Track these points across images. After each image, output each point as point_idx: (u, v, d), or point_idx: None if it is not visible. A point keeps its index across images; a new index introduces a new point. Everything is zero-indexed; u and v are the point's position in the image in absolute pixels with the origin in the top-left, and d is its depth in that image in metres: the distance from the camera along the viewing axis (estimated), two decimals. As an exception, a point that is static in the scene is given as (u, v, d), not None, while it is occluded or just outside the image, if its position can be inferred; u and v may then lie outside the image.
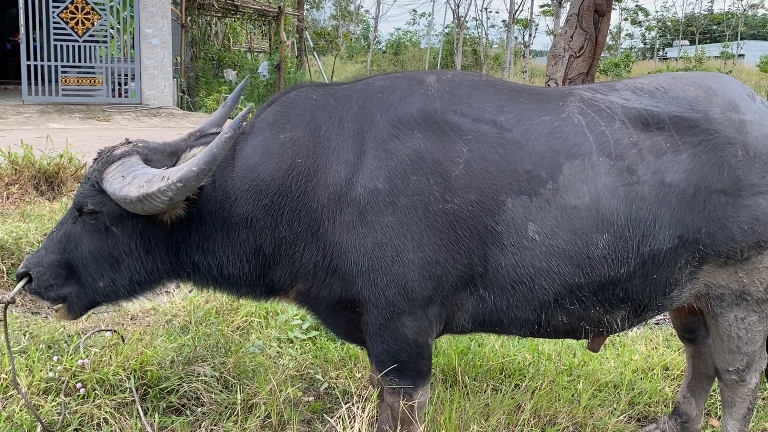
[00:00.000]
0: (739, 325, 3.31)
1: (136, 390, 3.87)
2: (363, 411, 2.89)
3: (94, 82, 18.41)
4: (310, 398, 4.19)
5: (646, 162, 3.06)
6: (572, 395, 4.28)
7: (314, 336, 4.88)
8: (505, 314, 3.20)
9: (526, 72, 36.82)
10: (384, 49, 55.83)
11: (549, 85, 7.64)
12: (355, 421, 2.86)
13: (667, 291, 3.19)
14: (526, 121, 3.14)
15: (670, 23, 74.30)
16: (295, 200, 3.11)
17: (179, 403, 3.99)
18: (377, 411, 3.64)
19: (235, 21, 30.88)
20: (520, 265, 3.07)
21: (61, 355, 4.04)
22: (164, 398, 3.97)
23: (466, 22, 46.07)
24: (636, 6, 64.79)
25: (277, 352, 4.69)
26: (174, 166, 3.13)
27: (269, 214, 3.14)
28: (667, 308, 3.34)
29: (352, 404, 2.96)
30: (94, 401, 3.72)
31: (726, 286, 3.22)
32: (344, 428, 2.89)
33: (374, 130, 3.11)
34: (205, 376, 4.12)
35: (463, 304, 3.19)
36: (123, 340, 4.28)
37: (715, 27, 67.95)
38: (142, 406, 3.78)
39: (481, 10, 48.95)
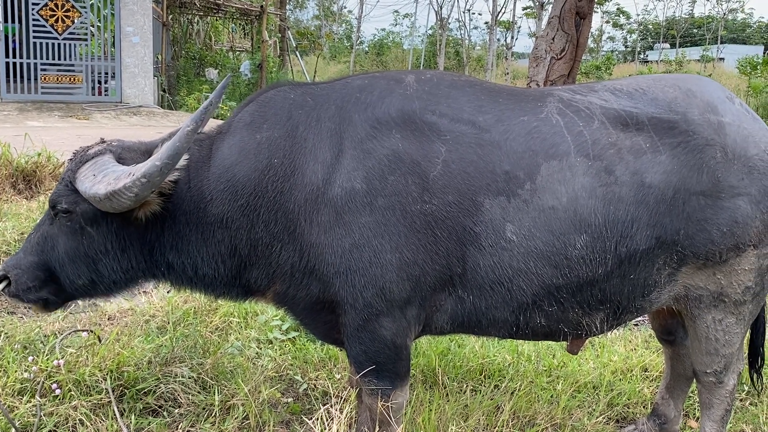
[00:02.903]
0: (717, 327, 3.32)
1: (113, 391, 3.83)
2: (341, 412, 2.87)
3: (74, 80, 18.24)
4: (289, 399, 4.16)
5: (625, 162, 3.06)
6: (551, 396, 4.28)
7: (294, 337, 4.85)
8: (483, 315, 3.19)
9: (508, 74, 36.93)
10: (367, 49, 55.81)
11: (530, 87, 7.66)
12: (334, 422, 2.83)
13: (646, 293, 3.20)
14: (505, 121, 3.13)
15: (651, 26, 74.88)
16: (272, 201, 3.08)
17: (156, 404, 3.95)
18: (356, 412, 3.62)
19: (216, 20, 30.69)
20: (498, 266, 3.06)
21: (37, 356, 3.99)
22: (141, 399, 3.93)
23: (449, 23, 46.16)
24: (617, 9, 65.23)
25: (256, 353, 4.66)
26: None
27: (245, 214, 3.11)
28: (646, 310, 3.35)
29: (331, 405, 2.93)
30: (70, 402, 3.67)
31: (704, 288, 3.23)
32: (322, 429, 2.86)
33: (352, 130, 3.08)
34: (182, 377, 4.08)
35: (442, 305, 3.18)
36: (99, 341, 4.23)
37: (695, 30, 68.56)
38: (118, 408, 3.73)
39: (463, 12, 49.12)
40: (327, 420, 2.91)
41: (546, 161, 3.06)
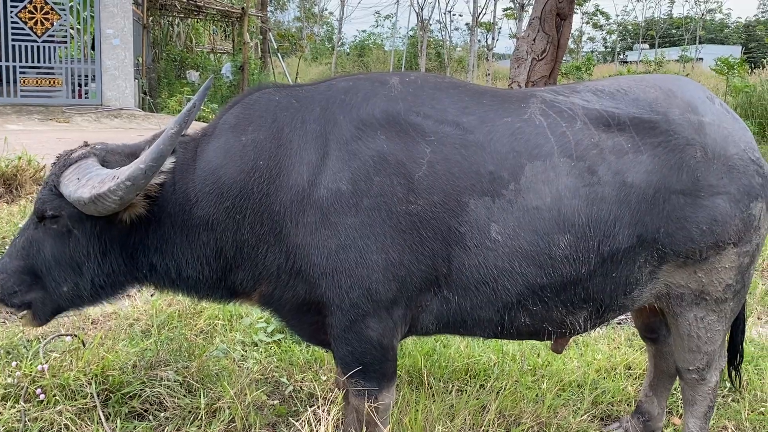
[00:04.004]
0: (699, 325, 3.36)
1: (98, 395, 3.80)
2: (329, 414, 2.87)
3: (54, 83, 18.06)
4: (275, 402, 4.16)
5: (607, 162, 3.09)
6: (536, 395, 4.31)
7: (279, 339, 4.85)
8: (468, 315, 3.21)
9: (489, 75, 37.04)
10: (348, 51, 55.80)
11: (512, 88, 7.69)
12: (320, 424, 2.84)
13: (628, 291, 3.23)
14: (489, 122, 3.16)
15: (630, 27, 75.46)
16: (258, 202, 3.08)
17: (142, 408, 3.93)
18: (343, 413, 3.63)
19: (197, 22, 30.59)
20: (483, 266, 3.08)
21: (20, 361, 3.95)
22: (126, 403, 3.91)
23: (430, 24, 46.19)
24: (597, 10, 65.62)
25: (242, 356, 4.65)
26: None
27: (231, 216, 3.11)
28: (628, 308, 3.38)
29: (318, 407, 2.94)
30: (54, 407, 3.64)
31: (685, 286, 3.26)
32: (310, 431, 2.87)
33: (337, 132, 3.10)
34: (167, 380, 4.06)
35: (428, 305, 3.20)
36: (84, 345, 4.20)
37: (674, 31, 69.18)
38: (103, 412, 3.71)
39: (444, 13, 49.26)
40: (314, 422, 2.91)
41: (530, 162, 3.08)
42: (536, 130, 3.14)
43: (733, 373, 3.90)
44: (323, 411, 2.86)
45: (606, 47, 79.08)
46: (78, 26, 17.99)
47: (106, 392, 3.93)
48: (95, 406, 3.72)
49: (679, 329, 3.41)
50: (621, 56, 69.73)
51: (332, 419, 2.88)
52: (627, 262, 3.15)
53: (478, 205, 3.05)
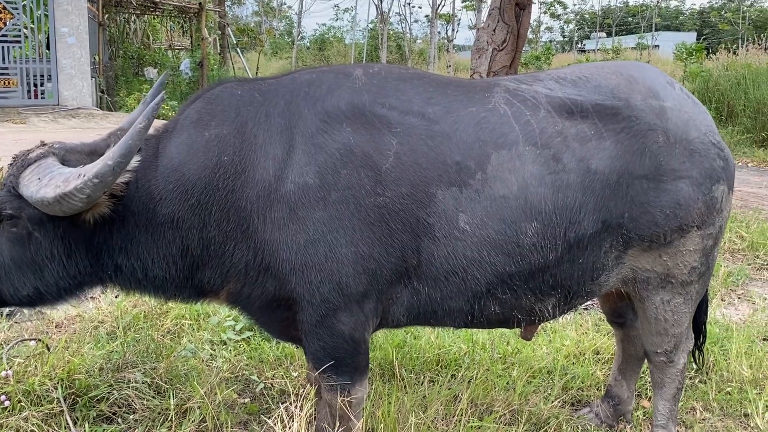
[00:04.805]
0: (665, 308, 3.40)
1: (65, 400, 3.74)
2: (301, 410, 2.85)
3: (9, 83, 17.69)
4: (246, 400, 4.12)
5: (571, 150, 3.11)
6: (507, 383, 4.33)
7: (248, 336, 4.81)
8: (439, 306, 3.21)
9: (450, 66, 37.11)
10: (308, 45, 55.44)
11: (474, 78, 7.71)
12: (293, 421, 2.81)
13: (595, 276, 3.26)
14: (454, 112, 3.16)
15: (587, 16, 76.27)
16: (223, 199, 3.04)
17: (110, 411, 3.86)
18: (316, 409, 3.61)
19: (154, 18, 30.12)
20: (453, 256, 3.08)
21: (-17, 368, 3.86)
22: (94, 407, 3.84)
23: (390, 17, 46.10)
24: (554, 0, 66.16)
25: (211, 355, 4.60)
26: None
27: (196, 214, 3.06)
28: (595, 294, 3.41)
29: (290, 403, 2.91)
30: (20, 413, 3.56)
31: (651, 270, 3.30)
32: (283, 428, 2.84)
33: (302, 125, 3.06)
34: (135, 382, 4.00)
35: (398, 297, 3.19)
36: (48, 349, 4.12)
37: (630, 19, 70.04)
38: (71, 416, 3.66)
39: (404, 5, 48.94)
40: (287, 419, 2.89)
41: (496, 151, 3.09)
42: (501, 119, 3.15)
43: (697, 353, 3.96)
44: (295, 407, 2.83)
45: (564, 37, 79.88)
46: (32, 25, 17.64)
47: (73, 396, 3.86)
48: (62, 411, 3.65)
49: (646, 313, 3.45)
50: (579, 45, 70.43)
51: (305, 415, 2.86)
52: (593, 248, 3.18)
53: (446, 195, 3.05)
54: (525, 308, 3.29)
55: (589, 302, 5.58)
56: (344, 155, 3.01)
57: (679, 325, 3.44)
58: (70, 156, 3.14)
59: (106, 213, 3.03)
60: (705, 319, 3.90)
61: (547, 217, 3.09)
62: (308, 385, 3.59)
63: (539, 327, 5.09)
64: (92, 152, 3.17)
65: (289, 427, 2.81)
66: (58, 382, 3.81)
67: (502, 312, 3.27)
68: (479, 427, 3.71)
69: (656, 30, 61.91)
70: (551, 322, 5.31)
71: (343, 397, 3.21)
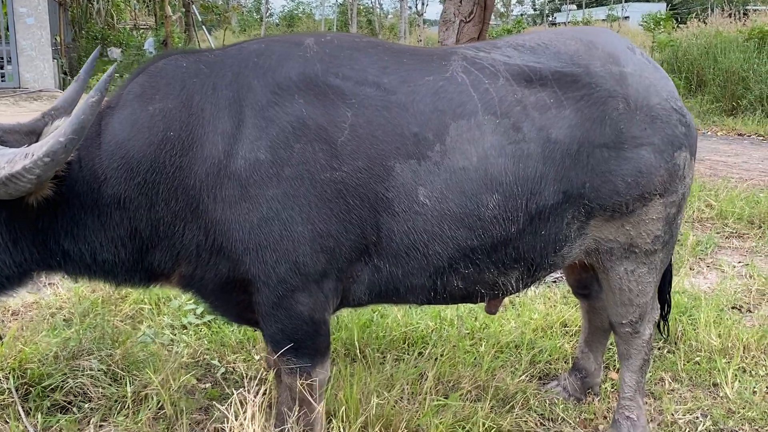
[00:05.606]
0: (629, 278, 3.34)
1: (16, 390, 3.62)
2: (255, 395, 2.74)
3: (-33, 66, 17.22)
4: (207, 385, 4.02)
5: (531, 119, 3.02)
6: (475, 359, 4.27)
7: (209, 321, 4.68)
8: (401, 283, 3.12)
9: (421, 41, 36.83)
10: (278, 21, 54.72)
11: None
12: (248, 406, 2.71)
13: (558, 248, 3.18)
14: (410, 82, 3.04)
15: (558, -12, 76.07)
16: (171, 177, 2.90)
17: (65, 401, 3.76)
18: (277, 392, 3.51)
19: (117, -3, 29.51)
20: (413, 231, 2.98)
21: (-71, 360, 3.72)
22: (48, 396, 3.73)
23: (360, -8, 45.60)
24: (524, -28, 65.89)
25: (171, 340, 4.48)
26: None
27: (143, 193, 2.92)
28: (559, 266, 3.34)
29: (244, 389, 2.81)
30: (-32, 407, 3.44)
31: (614, 240, 3.23)
32: (236, 415, 2.74)
33: (252, 97, 2.93)
34: (91, 370, 3.88)
35: (359, 275, 3.09)
36: (0, 339, 3.97)
37: (600, -9, 69.99)
38: (23, 407, 3.55)
39: (373, -20, 48.44)
40: (241, 404, 2.79)
41: (454, 121, 2.99)
42: (459, 88, 3.04)
43: (662, 323, 3.91)
44: (249, 392, 2.73)
45: (535, 9, 79.67)
46: (-11, 6, 17.13)
47: (25, 386, 3.75)
48: (14, 402, 3.52)
49: (610, 283, 3.39)
50: (550, 18, 70.36)
51: (263, 400, 2.76)
52: (555, 219, 3.10)
53: (404, 168, 2.94)
54: (488, 282, 3.20)
55: (557, 275, 5.53)
56: (297, 128, 2.89)
57: (643, 295, 3.38)
58: (9, 137, 2.96)
59: (50, 195, 2.88)
60: (670, 288, 3.86)
61: (508, 189, 3.00)
62: (268, 369, 3.48)
63: (507, 301, 5.04)
64: (31, 132, 3.01)
65: (243, 413, 2.71)
66: (9, 372, 3.69)
67: (465, 287, 3.19)
68: (444, 405, 3.64)
69: (626, 1, 61.94)
70: (521, 296, 5.26)
71: (304, 380, 3.11)
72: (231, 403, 2.77)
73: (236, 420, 2.70)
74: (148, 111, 2.93)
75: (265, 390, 2.92)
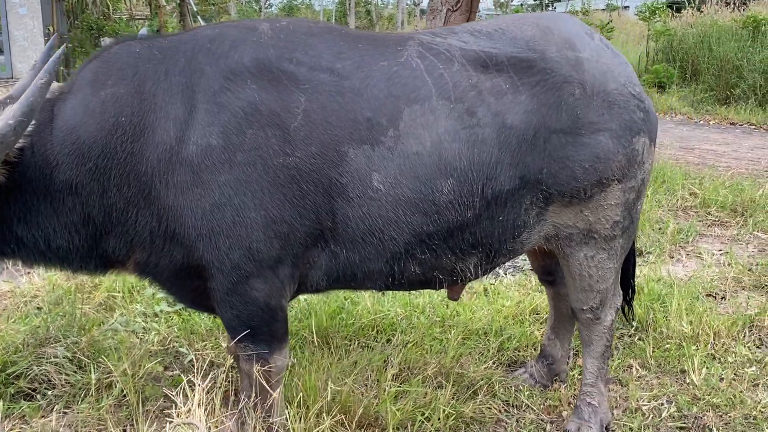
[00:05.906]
0: (589, 264, 3.33)
1: (-20, 378, 3.61)
2: (203, 380, 2.74)
3: (-41, 57, 17.17)
4: (175, 372, 4.01)
5: (486, 104, 3.00)
6: (442, 345, 4.26)
7: (180, 309, 4.67)
8: (358, 268, 3.11)
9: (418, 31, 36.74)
10: (277, 12, 54.57)
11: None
12: (194, 393, 2.71)
13: (516, 234, 3.17)
14: (365, 67, 3.02)
15: (558, -22, 75.73)
16: (122, 162, 2.89)
17: (29, 388, 3.76)
18: (239, 379, 3.51)
19: (114, -13, 29.35)
20: (368, 217, 2.98)
21: None
22: (12, 383, 3.73)
23: (358, -18, 45.41)
24: (525, -39, 65.50)
25: (143, 328, 4.47)
26: None
27: (95, 178, 2.91)
28: (518, 252, 3.33)
29: (193, 375, 2.80)
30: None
31: (573, 226, 3.22)
32: (184, 402, 2.74)
33: (204, 83, 2.92)
34: (56, 357, 3.87)
35: (316, 261, 3.08)
36: (-32, 328, 3.98)
37: (600, -20, 69.68)
38: (-14, 394, 3.53)
39: (372, -30, 48.22)
40: (189, 391, 2.79)
41: (408, 106, 2.97)
42: (413, 74, 3.02)
43: (626, 308, 3.90)
44: (197, 379, 2.72)
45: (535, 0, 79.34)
46: (-20, -4, 17.05)
47: (-11, 374, 3.74)
48: (-23, 389, 3.53)
49: (570, 269, 3.38)
50: (550, 8, 70.09)
51: (207, 385, 2.75)
52: (513, 205, 3.08)
53: (358, 154, 2.93)
54: (446, 268, 3.20)
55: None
56: (249, 114, 2.88)
57: (604, 281, 3.37)
58: None
59: (2, 182, 2.87)
60: (633, 274, 3.84)
61: (462, 174, 2.98)
62: (229, 356, 3.48)
63: (480, 287, 5.03)
64: (-21, 117, 2.99)
65: (191, 399, 2.70)
66: (-27, 360, 3.68)
67: (423, 273, 3.18)
68: (405, 392, 3.63)
69: (626, -10, 61.65)
70: (495, 284, 5.25)
71: (261, 366, 3.11)
72: (181, 388, 2.76)
73: (184, 406, 2.70)
74: (99, 96, 2.92)
75: (225, 377, 2.91)
